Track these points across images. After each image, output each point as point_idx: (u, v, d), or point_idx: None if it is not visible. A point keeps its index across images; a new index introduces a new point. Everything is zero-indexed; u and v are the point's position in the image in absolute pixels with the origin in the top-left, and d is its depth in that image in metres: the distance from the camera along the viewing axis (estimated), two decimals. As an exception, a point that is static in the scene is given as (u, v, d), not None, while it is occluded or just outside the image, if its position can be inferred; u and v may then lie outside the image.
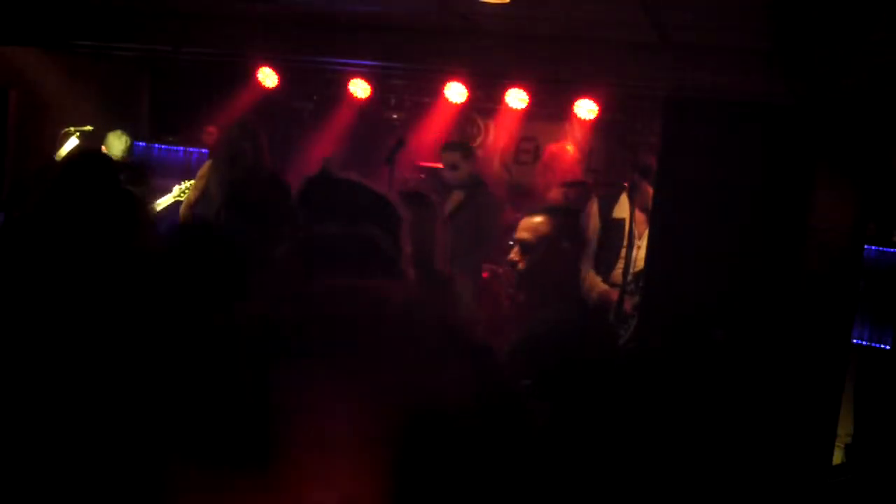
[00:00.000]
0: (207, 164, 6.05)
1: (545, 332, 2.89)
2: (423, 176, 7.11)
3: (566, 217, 3.09)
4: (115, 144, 6.14)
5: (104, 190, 3.51)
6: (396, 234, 2.43)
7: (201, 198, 5.74)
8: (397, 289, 2.12)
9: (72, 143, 5.91)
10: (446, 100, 7.10)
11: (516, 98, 6.90)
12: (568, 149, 7.60)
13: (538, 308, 2.99)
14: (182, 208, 5.91)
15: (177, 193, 5.86)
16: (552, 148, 7.77)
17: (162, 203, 5.79)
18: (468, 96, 6.99)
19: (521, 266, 3.01)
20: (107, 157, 3.90)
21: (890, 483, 4.41)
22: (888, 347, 5.32)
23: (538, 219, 3.00)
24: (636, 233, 5.07)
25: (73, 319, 2.05)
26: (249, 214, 3.13)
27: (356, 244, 2.13)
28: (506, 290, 3.13)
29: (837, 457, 4.90)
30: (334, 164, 7.31)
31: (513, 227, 3.23)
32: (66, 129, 6.05)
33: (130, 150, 6.47)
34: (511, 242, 3.15)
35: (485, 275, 5.75)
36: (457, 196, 5.46)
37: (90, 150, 5.01)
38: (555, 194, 7.43)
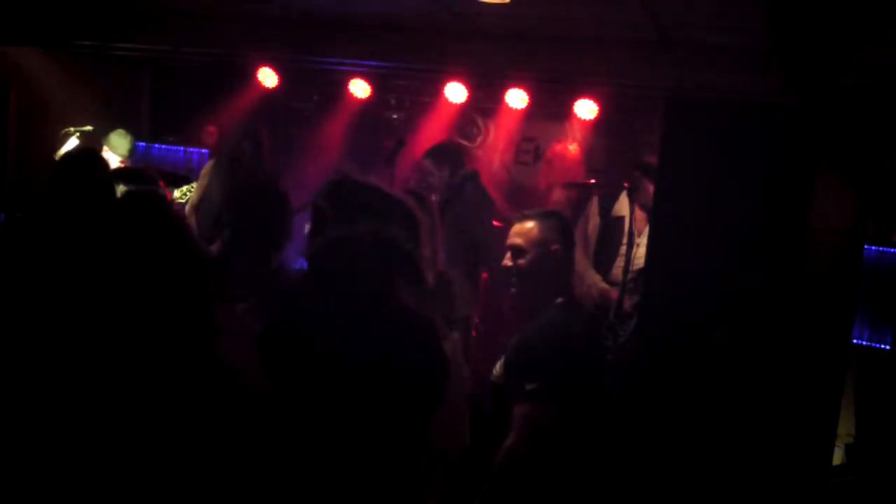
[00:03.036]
0: (209, 164, 6.05)
1: (538, 337, 2.93)
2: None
3: (556, 220, 3.13)
4: (120, 144, 6.15)
5: (98, 188, 3.52)
6: (417, 238, 2.45)
7: (204, 198, 5.74)
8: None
9: (72, 143, 5.91)
10: (446, 100, 7.10)
11: (516, 98, 6.90)
12: (571, 149, 7.60)
13: (532, 312, 3.03)
14: (186, 210, 5.91)
15: (177, 196, 5.85)
16: (557, 147, 7.77)
17: None
18: (468, 96, 6.99)
19: (513, 271, 3.08)
20: (98, 156, 3.89)
21: (890, 483, 4.41)
22: (888, 348, 5.31)
23: (529, 224, 3.08)
24: (636, 231, 5.07)
25: (71, 317, 2.04)
26: (248, 228, 3.15)
27: (382, 246, 2.13)
28: (507, 288, 3.17)
29: (837, 457, 4.90)
30: (352, 170, 7.32)
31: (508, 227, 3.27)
32: (66, 129, 6.04)
33: (133, 149, 6.46)
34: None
35: (484, 274, 5.76)
36: (446, 195, 5.52)
37: (84, 150, 5.01)
38: (558, 195, 7.43)
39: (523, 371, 2.85)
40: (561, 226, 3.11)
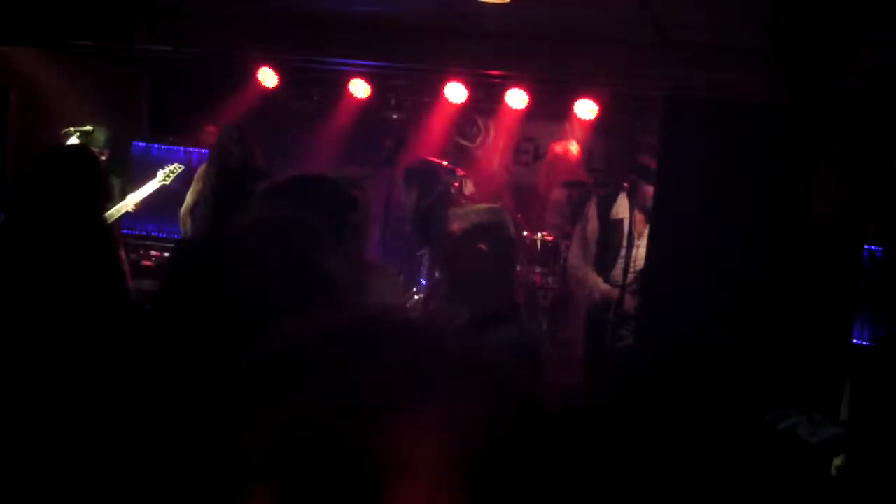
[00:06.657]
0: (203, 167, 6.06)
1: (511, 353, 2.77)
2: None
3: (491, 216, 2.82)
4: (96, 138, 6.24)
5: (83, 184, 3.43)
6: (343, 220, 2.34)
7: (199, 202, 5.74)
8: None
9: (72, 143, 5.91)
10: (446, 100, 7.10)
11: (516, 98, 6.90)
12: (572, 148, 7.60)
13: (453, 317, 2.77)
14: (182, 212, 5.90)
15: (161, 178, 5.80)
16: (557, 147, 7.77)
17: (147, 189, 5.71)
18: (468, 96, 6.99)
19: (439, 272, 2.85)
20: (87, 151, 3.81)
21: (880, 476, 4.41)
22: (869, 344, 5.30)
23: (458, 221, 2.80)
24: (636, 233, 5.07)
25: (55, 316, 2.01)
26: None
27: (282, 230, 1.99)
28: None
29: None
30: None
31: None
32: (66, 129, 6.05)
33: (107, 143, 6.53)
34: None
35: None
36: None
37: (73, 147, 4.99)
38: (557, 194, 7.43)
39: None
40: (495, 224, 2.77)
